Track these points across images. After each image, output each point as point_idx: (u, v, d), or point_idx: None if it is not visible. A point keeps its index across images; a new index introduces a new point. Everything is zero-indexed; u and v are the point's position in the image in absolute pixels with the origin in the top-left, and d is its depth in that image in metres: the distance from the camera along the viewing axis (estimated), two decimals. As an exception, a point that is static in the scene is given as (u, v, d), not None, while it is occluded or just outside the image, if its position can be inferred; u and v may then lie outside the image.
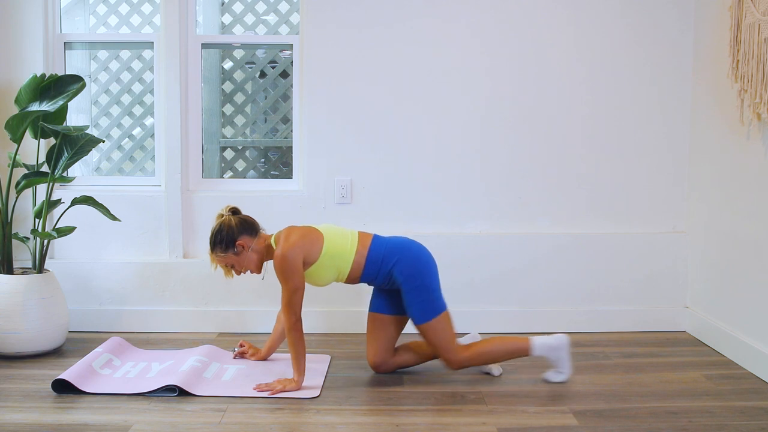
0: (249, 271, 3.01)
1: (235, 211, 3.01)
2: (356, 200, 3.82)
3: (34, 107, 3.29)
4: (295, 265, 2.84)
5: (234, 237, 2.92)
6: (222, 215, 2.98)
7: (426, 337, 2.98)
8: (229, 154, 4.32)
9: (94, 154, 4.15)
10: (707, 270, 3.63)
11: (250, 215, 3.04)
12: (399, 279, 2.94)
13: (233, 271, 3.00)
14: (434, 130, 3.80)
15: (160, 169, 3.88)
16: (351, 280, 3.00)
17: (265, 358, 3.27)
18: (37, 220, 3.46)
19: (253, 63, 4.27)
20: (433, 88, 3.78)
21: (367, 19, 3.75)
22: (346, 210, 3.80)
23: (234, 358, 3.27)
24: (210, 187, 3.90)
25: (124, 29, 4.16)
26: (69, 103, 3.45)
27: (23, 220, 3.73)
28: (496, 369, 3.09)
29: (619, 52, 3.79)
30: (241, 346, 3.29)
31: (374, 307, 3.09)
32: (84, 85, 3.35)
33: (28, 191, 3.63)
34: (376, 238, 3.01)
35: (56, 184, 3.66)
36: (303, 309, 2.89)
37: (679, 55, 3.79)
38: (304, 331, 2.90)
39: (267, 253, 2.98)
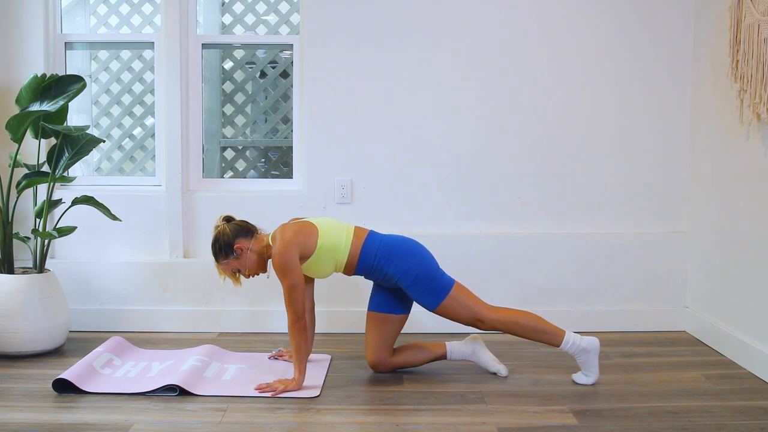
0: (256, 274, 3.04)
1: (228, 219, 3.05)
2: (356, 200, 3.82)
3: (35, 107, 3.29)
4: (292, 261, 2.85)
5: (231, 242, 2.95)
6: (218, 226, 3.02)
7: (447, 317, 2.99)
8: (229, 154, 4.32)
9: (94, 154, 4.16)
10: (707, 270, 3.63)
11: (245, 218, 3.08)
12: (396, 277, 2.96)
13: (242, 276, 3.03)
14: (434, 130, 3.80)
15: (160, 169, 3.88)
16: (348, 270, 3.02)
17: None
18: (37, 220, 3.47)
19: (254, 63, 4.27)
20: (434, 88, 3.78)
21: (368, 19, 3.76)
22: (347, 210, 3.80)
23: (269, 358, 3.28)
24: (210, 187, 3.90)
25: (124, 29, 4.16)
26: (70, 103, 3.45)
27: (24, 220, 3.74)
28: (503, 369, 3.08)
29: (619, 52, 3.79)
30: (280, 352, 3.31)
31: (373, 306, 3.10)
32: (84, 85, 3.36)
33: (29, 191, 3.63)
34: (371, 234, 3.03)
35: (57, 184, 3.66)
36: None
37: (679, 56, 3.79)
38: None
39: (267, 252, 3.00)
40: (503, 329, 2.98)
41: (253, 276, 3.05)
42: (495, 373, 3.09)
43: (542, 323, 2.98)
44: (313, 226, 2.97)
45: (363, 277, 3.07)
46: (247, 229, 3.00)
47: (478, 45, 3.78)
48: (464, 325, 3.03)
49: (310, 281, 3.16)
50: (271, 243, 2.96)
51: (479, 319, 2.96)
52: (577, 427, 2.55)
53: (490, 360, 3.10)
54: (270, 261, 3.03)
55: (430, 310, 2.98)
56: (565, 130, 3.82)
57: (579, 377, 3.02)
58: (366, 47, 3.77)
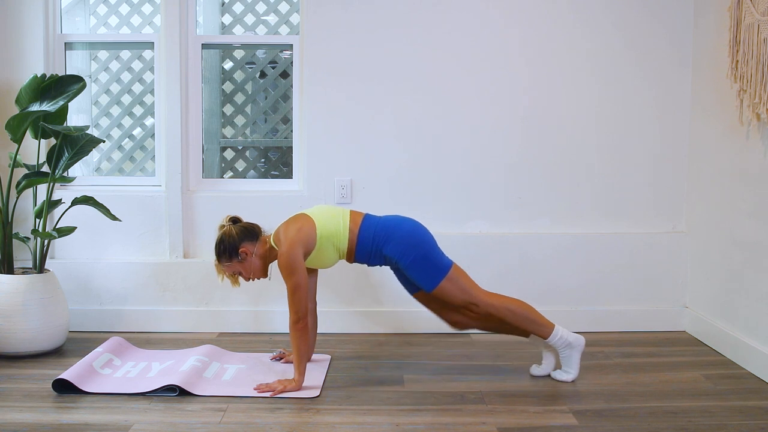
0: (257, 278, 3.03)
1: (235, 220, 3.03)
2: (356, 200, 3.82)
3: (35, 107, 3.29)
4: (297, 262, 2.85)
5: (236, 245, 2.95)
6: (223, 226, 3.00)
7: (443, 298, 2.98)
8: (229, 154, 4.32)
9: (94, 155, 4.16)
10: (707, 270, 3.63)
11: (251, 221, 3.07)
12: (394, 258, 2.95)
13: (240, 279, 3.03)
14: (435, 130, 3.80)
15: (160, 169, 3.88)
16: (349, 257, 3.02)
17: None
18: (37, 220, 3.47)
19: (254, 63, 4.27)
20: (434, 88, 3.79)
21: (367, 19, 3.76)
22: (346, 210, 3.80)
23: (272, 360, 3.27)
24: (210, 187, 3.90)
25: (124, 29, 4.16)
26: (69, 104, 3.45)
27: (24, 220, 3.74)
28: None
29: (619, 52, 3.79)
30: (281, 354, 3.30)
31: (410, 291, 3.11)
32: (84, 86, 3.36)
33: (29, 191, 3.63)
34: (367, 217, 3.02)
35: (57, 184, 3.66)
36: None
37: (679, 56, 3.79)
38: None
39: (270, 255, 3.00)
40: (496, 314, 2.97)
41: (253, 280, 3.05)
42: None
43: (534, 314, 2.99)
44: (310, 219, 2.96)
45: (366, 265, 3.05)
46: (253, 233, 3.00)
47: (478, 45, 3.78)
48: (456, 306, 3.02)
49: (314, 279, 3.16)
50: (273, 244, 2.96)
51: (474, 303, 2.96)
52: (577, 427, 2.55)
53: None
54: (272, 264, 3.03)
55: (427, 291, 2.97)
56: (565, 130, 3.82)
57: (559, 374, 3.01)
58: (366, 47, 3.77)
